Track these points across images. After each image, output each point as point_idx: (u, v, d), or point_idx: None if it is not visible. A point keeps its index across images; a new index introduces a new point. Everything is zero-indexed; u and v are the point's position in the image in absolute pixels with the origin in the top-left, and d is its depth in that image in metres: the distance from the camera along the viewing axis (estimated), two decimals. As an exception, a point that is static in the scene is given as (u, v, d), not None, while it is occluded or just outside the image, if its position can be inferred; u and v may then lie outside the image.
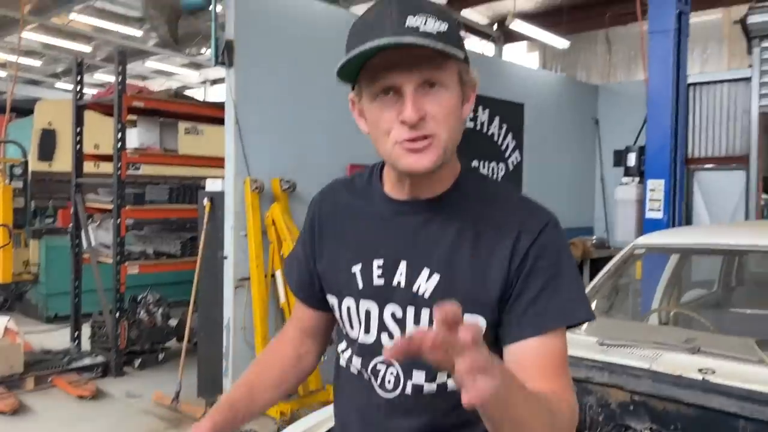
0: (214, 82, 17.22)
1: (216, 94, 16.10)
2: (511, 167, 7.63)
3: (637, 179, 5.14)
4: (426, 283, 1.10)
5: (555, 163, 8.25)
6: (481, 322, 1.06)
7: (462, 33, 1.08)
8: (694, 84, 7.90)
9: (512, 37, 9.82)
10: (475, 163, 7.13)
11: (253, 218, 4.82)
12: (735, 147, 8.17)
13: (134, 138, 6.04)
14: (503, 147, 7.49)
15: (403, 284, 1.12)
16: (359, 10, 8.20)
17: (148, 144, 6.16)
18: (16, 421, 4.69)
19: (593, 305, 3.01)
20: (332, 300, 1.22)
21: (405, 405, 1.14)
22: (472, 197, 1.13)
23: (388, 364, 1.14)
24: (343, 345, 1.24)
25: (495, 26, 10.12)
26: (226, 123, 4.93)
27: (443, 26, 1.00)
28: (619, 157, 5.28)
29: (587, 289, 2.98)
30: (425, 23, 0.99)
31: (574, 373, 2.41)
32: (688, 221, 7.76)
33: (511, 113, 7.55)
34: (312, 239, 1.27)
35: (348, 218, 1.22)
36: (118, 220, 5.61)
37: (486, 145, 7.22)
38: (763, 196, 8.10)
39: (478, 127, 7.14)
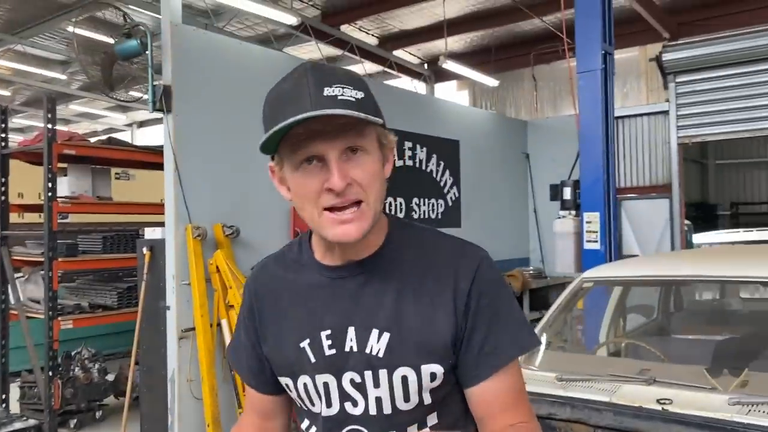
0: (142, 124, 16.85)
1: (144, 137, 15.75)
2: (450, 203, 7.76)
3: (573, 212, 5.33)
4: (378, 343, 1.10)
5: (490, 197, 8.46)
6: (437, 369, 1.09)
7: (374, 102, 1.08)
8: (618, 117, 8.31)
9: (443, 75, 10.09)
10: (416, 201, 7.22)
11: (196, 266, 4.69)
12: (658, 176, 8.61)
13: (65, 186, 5.81)
14: (442, 183, 7.62)
15: (355, 349, 1.11)
16: (292, 51, 8.26)
17: (79, 192, 5.93)
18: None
19: (543, 339, 3.08)
20: (286, 381, 1.19)
21: None
22: (405, 249, 1.15)
23: None
24: (305, 422, 1.21)
25: (426, 66, 10.38)
26: (165, 169, 4.81)
27: (359, 94, 1.03)
28: (555, 192, 5.47)
29: (540, 325, 3.05)
30: (342, 93, 1.01)
31: (537, 410, 2.45)
32: (617, 250, 8.06)
33: (447, 150, 7.71)
34: (253, 323, 1.23)
35: (285, 294, 1.20)
36: (50, 272, 5.34)
37: (426, 182, 7.33)
38: (686, 222, 8.54)
39: (418, 165, 7.25)
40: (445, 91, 10.29)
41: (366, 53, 9.12)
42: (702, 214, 12.21)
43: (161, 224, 4.99)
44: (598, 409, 2.35)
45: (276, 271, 1.24)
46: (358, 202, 1.05)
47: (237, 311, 4.58)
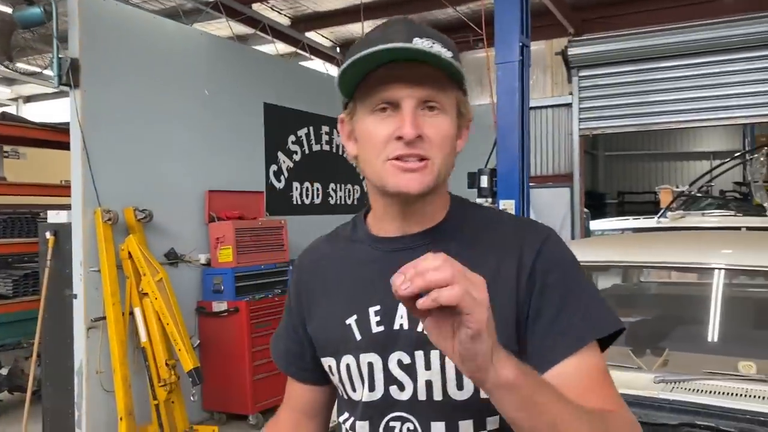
0: (29, 99, 15.66)
1: (31, 113, 14.64)
2: (366, 189, 7.75)
3: (489, 199, 5.48)
4: None
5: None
6: None
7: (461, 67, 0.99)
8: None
9: (356, 60, 10.05)
10: (332, 186, 7.17)
11: (107, 252, 4.43)
12: (560, 166, 9.03)
13: (-49, 165, 5.32)
14: (358, 169, 7.59)
15: (406, 327, 1.01)
16: (205, 27, 7.93)
17: (-32, 171, 5.45)
18: None
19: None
20: (329, 362, 1.09)
21: None
22: (466, 225, 1.07)
23: (404, 421, 1.01)
24: (345, 414, 1.11)
25: (338, 49, 10.29)
26: (72, 148, 4.50)
27: (449, 54, 0.96)
28: (473, 179, 5.58)
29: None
30: (432, 46, 0.95)
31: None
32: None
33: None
34: (298, 304, 1.15)
35: (333, 271, 1.12)
36: (-65, 259, 4.89)
37: (343, 167, 7.29)
38: (585, 210, 9.02)
39: (335, 150, 7.19)
40: (357, 76, 10.27)
41: (278, 33, 8.91)
42: (592, 202, 12.89)
43: (65, 207, 4.68)
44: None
45: (326, 249, 1.16)
46: (425, 159, 0.97)
47: (151, 299, 4.40)
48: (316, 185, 6.93)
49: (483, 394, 0.93)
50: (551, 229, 1.07)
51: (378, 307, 1.03)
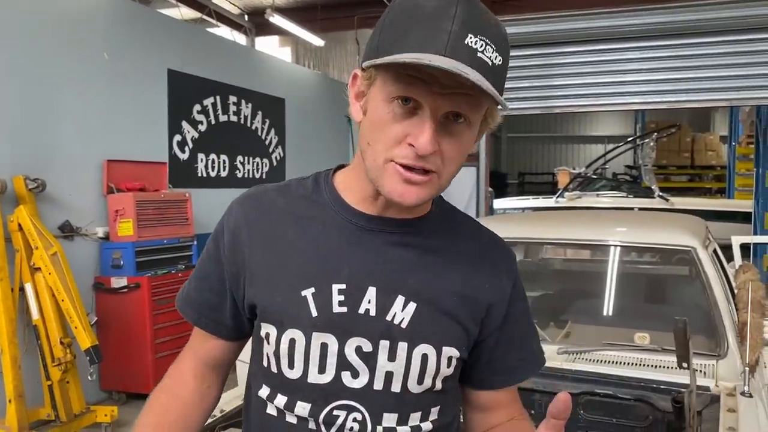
0: None
1: None
2: (275, 162, 7.62)
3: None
4: (402, 312, 0.96)
5: (314, 159, 8.43)
6: (454, 354, 1.00)
7: (506, 73, 0.90)
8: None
9: (265, 29, 9.78)
10: (240, 159, 6.97)
11: (-7, 223, 4.11)
12: (467, 145, 9.23)
13: None
14: (267, 142, 7.44)
15: (373, 313, 0.96)
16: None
17: None
18: None
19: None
20: (268, 329, 0.99)
21: None
22: (445, 225, 1.04)
23: (351, 410, 0.97)
24: (264, 389, 1.03)
25: (246, 17, 9.97)
26: (-49, 110, 4.12)
27: (499, 59, 0.86)
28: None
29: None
30: (484, 49, 0.84)
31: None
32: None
33: (273, 108, 7.53)
34: (233, 253, 1.02)
35: (288, 229, 1.00)
36: None
37: (251, 140, 7.11)
38: (489, 189, 9.30)
39: (243, 121, 6.99)
40: (266, 46, 9.98)
41: (183, -2, 8.52)
42: (495, 182, 13.33)
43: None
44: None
45: (279, 202, 1.03)
46: (431, 173, 0.89)
47: (44, 274, 4.13)
48: (223, 157, 6.72)
49: (437, 386, 1.00)
50: (513, 253, 1.12)
51: (343, 286, 0.96)
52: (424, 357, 0.97)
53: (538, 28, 7.86)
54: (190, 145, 6.23)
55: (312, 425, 0.98)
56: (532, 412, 2.33)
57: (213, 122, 6.54)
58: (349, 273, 0.96)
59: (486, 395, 1.10)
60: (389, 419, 0.97)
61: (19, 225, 4.19)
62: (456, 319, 0.99)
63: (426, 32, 0.83)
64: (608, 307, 2.87)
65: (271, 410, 1.02)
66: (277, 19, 7.84)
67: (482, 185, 9.08)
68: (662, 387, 2.18)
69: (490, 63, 0.84)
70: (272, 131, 7.54)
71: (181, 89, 6.04)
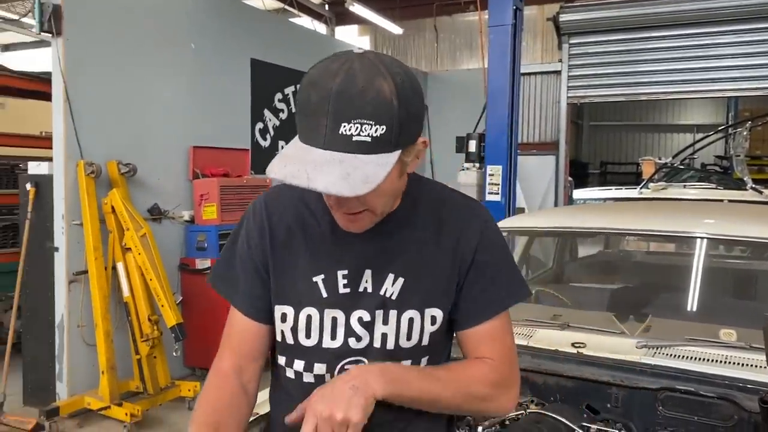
0: (7, 47, 15.22)
1: (11, 63, 14.23)
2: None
3: (477, 164, 5.47)
4: (392, 287, 1.19)
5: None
6: (438, 314, 1.21)
7: (401, 125, 1.02)
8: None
9: (345, 19, 9.88)
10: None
11: (89, 206, 4.37)
12: (546, 134, 9.02)
13: (-72, 112, 5.18)
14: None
15: (370, 290, 1.20)
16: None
17: (-55, 119, 5.31)
18: None
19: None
20: (285, 309, 1.22)
21: None
22: (420, 204, 1.24)
23: (357, 363, 1.19)
24: (283, 359, 1.25)
25: (327, 7, 10.10)
26: (53, 99, 4.40)
27: (380, 131, 0.98)
28: (461, 143, 5.57)
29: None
30: (359, 131, 0.98)
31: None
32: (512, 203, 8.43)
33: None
34: (263, 244, 1.24)
35: (301, 228, 1.23)
36: None
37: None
38: (569, 178, 9.06)
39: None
40: (346, 35, 10.09)
41: (266, -12, 8.72)
42: (575, 172, 12.95)
43: (46, 158, 4.59)
44: (517, 353, 2.46)
45: (292, 201, 1.25)
46: (365, 211, 1.11)
47: (134, 254, 4.36)
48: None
49: (424, 341, 1.21)
50: (488, 212, 1.29)
51: (346, 272, 1.20)
52: (410, 320, 1.20)
53: (623, 12, 7.57)
54: (272, 132, 6.39)
55: (328, 379, 1.20)
56: (608, 405, 2.28)
57: (293, 111, 6.68)
58: (350, 261, 1.20)
59: (462, 338, 1.25)
60: None
61: (112, 207, 4.44)
62: (436, 284, 1.21)
63: (309, 126, 1.00)
64: (692, 302, 2.75)
65: (289, 374, 1.25)
66: (356, 8, 7.91)
67: (561, 175, 8.88)
68: (749, 386, 2.08)
69: (369, 139, 0.98)
70: (348, 119, 7.60)
71: (264, 78, 6.19)
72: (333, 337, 1.20)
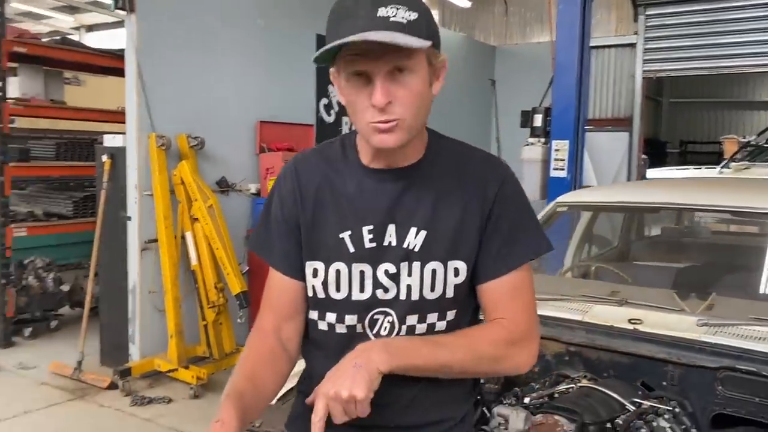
0: (91, 28, 15.91)
1: (93, 42, 14.89)
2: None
3: (542, 139, 5.35)
4: (415, 239, 1.25)
5: (454, 123, 8.35)
6: (461, 266, 1.25)
7: (428, 21, 1.14)
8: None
9: (412, -6, 9.80)
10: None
11: (160, 177, 4.55)
12: (620, 109, 8.70)
13: (15, 87, 5.50)
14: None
15: (394, 243, 1.25)
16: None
17: (31, 94, 5.63)
18: None
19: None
20: (316, 265, 1.28)
21: None
22: (441, 159, 1.28)
23: (386, 314, 1.26)
24: (314, 313, 1.32)
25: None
26: (126, 74, 4.58)
27: (412, 15, 1.10)
28: (526, 118, 5.45)
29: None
30: (395, 14, 1.08)
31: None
32: (580, 180, 8.21)
33: (415, 71, 7.54)
34: (294, 207, 1.31)
35: (328, 187, 1.29)
36: (1, 178, 5.12)
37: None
38: (643, 156, 8.72)
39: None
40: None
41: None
42: (653, 150, 12.47)
43: (121, 133, 4.80)
44: (570, 328, 2.42)
45: (319, 164, 1.32)
46: (397, 120, 1.14)
47: (202, 224, 4.52)
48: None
49: (449, 293, 1.25)
50: (508, 167, 1.32)
51: (371, 227, 1.25)
52: (434, 272, 1.25)
53: (705, -20, 7.17)
54: (336, 108, 6.45)
55: (360, 329, 1.28)
56: (664, 383, 2.22)
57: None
58: (374, 217, 1.25)
59: (481, 293, 1.28)
60: (411, 319, 1.26)
61: (181, 179, 4.60)
62: (458, 237, 1.24)
63: (347, 20, 1.10)
64: (760, 281, 2.62)
65: (322, 326, 1.31)
66: (423, -18, 7.82)
67: (635, 152, 8.55)
68: (818, 369, 1.97)
69: (404, 21, 1.09)
70: (414, 94, 7.56)
71: (329, 54, 6.22)
72: (362, 289, 1.26)
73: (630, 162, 8.47)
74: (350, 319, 1.28)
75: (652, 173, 9.17)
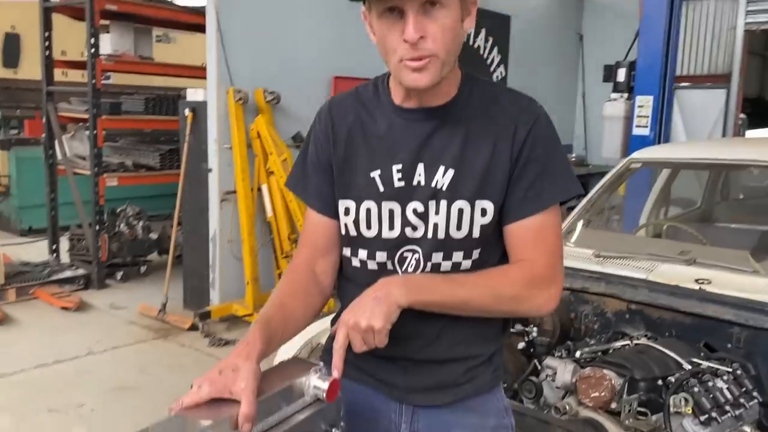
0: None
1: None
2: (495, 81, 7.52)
3: (625, 95, 5.11)
4: (443, 178, 1.25)
5: (538, 79, 8.12)
6: (489, 206, 1.25)
7: None
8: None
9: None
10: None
11: (238, 130, 4.70)
12: (717, 65, 8.14)
13: (107, 44, 5.78)
14: (489, 61, 7.35)
15: (423, 182, 1.26)
16: None
17: (122, 51, 5.90)
18: (1, 331, 4.68)
19: (588, 219, 3.06)
20: (347, 204, 1.31)
21: None
22: (474, 100, 1.28)
23: (413, 252, 1.28)
24: (347, 250, 1.35)
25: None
26: (207, 30, 4.72)
27: None
28: (609, 72, 5.22)
29: (582, 203, 3.01)
30: None
31: (570, 283, 2.47)
32: (666, 139, 7.81)
33: (497, 26, 7.37)
34: (328, 148, 1.33)
35: (359, 127, 1.31)
36: (95, 130, 5.44)
37: (471, 58, 7.07)
38: (741, 116, 8.17)
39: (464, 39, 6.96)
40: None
41: None
42: (754, 110, 11.62)
43: (204, 87, 4.96)
44: (633, 286, 2.35)
45: (354, 106, 1.34)
46: (429, 56, 1.15)
47: (277, 177, 4.65)
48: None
49: (475, 233, 1.26)
50: (543, 110, 1.29)
51: (400, 166, 1.27)
52: (460, 210, 1.25)
53: None
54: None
55: (390, 266, 1.30)
56: (729, 345, 2.14)
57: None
58: (403, 156, 1.27)
59: (507, 234, 1.28)
60: (437, 257, 1.28)
61: (258, 133, 4.73)
62: (486, 177, 1.24)
63: None
64: None
65: (355, 263, 1.34)
66: (508, -69, 7.54)
67: (732, 111, 8.02)
68: None
69: None
70: (495, 49, 7.40)
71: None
72: (391, 227, 1.28)
73: (726, 122, 7.95)
74: (381, 256, 1.30)
75: (751, 134, 8.59)
